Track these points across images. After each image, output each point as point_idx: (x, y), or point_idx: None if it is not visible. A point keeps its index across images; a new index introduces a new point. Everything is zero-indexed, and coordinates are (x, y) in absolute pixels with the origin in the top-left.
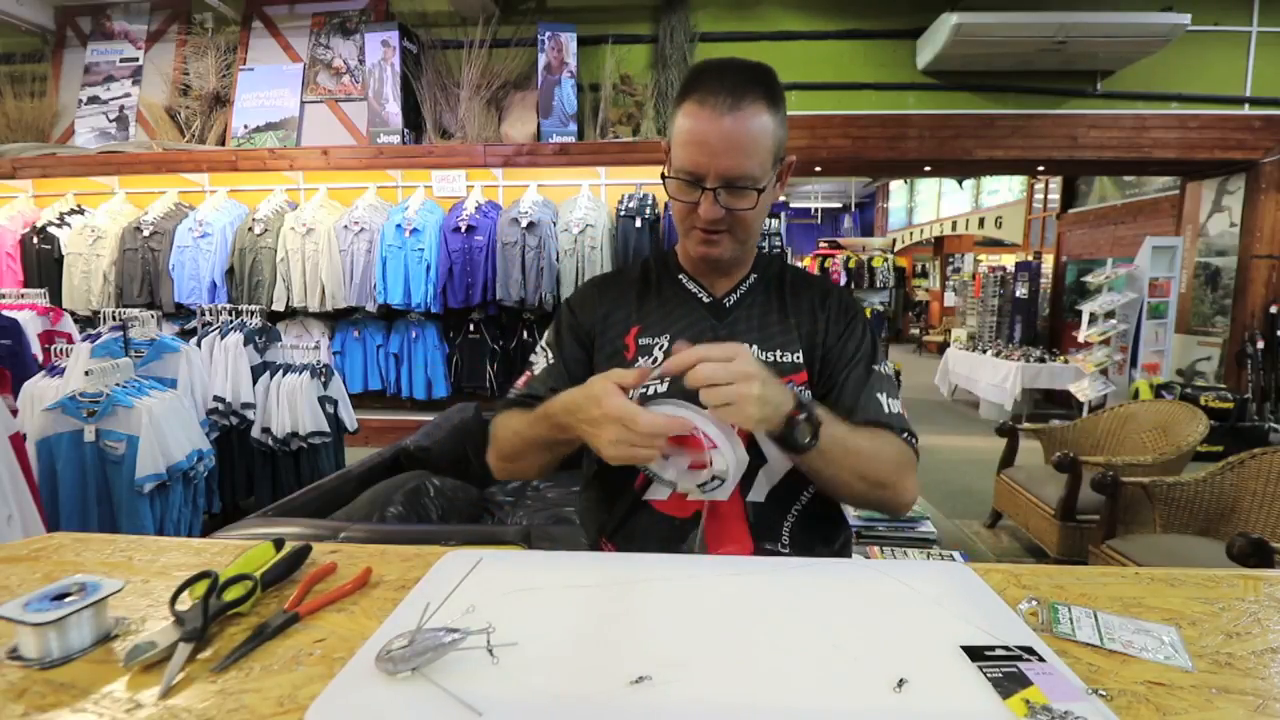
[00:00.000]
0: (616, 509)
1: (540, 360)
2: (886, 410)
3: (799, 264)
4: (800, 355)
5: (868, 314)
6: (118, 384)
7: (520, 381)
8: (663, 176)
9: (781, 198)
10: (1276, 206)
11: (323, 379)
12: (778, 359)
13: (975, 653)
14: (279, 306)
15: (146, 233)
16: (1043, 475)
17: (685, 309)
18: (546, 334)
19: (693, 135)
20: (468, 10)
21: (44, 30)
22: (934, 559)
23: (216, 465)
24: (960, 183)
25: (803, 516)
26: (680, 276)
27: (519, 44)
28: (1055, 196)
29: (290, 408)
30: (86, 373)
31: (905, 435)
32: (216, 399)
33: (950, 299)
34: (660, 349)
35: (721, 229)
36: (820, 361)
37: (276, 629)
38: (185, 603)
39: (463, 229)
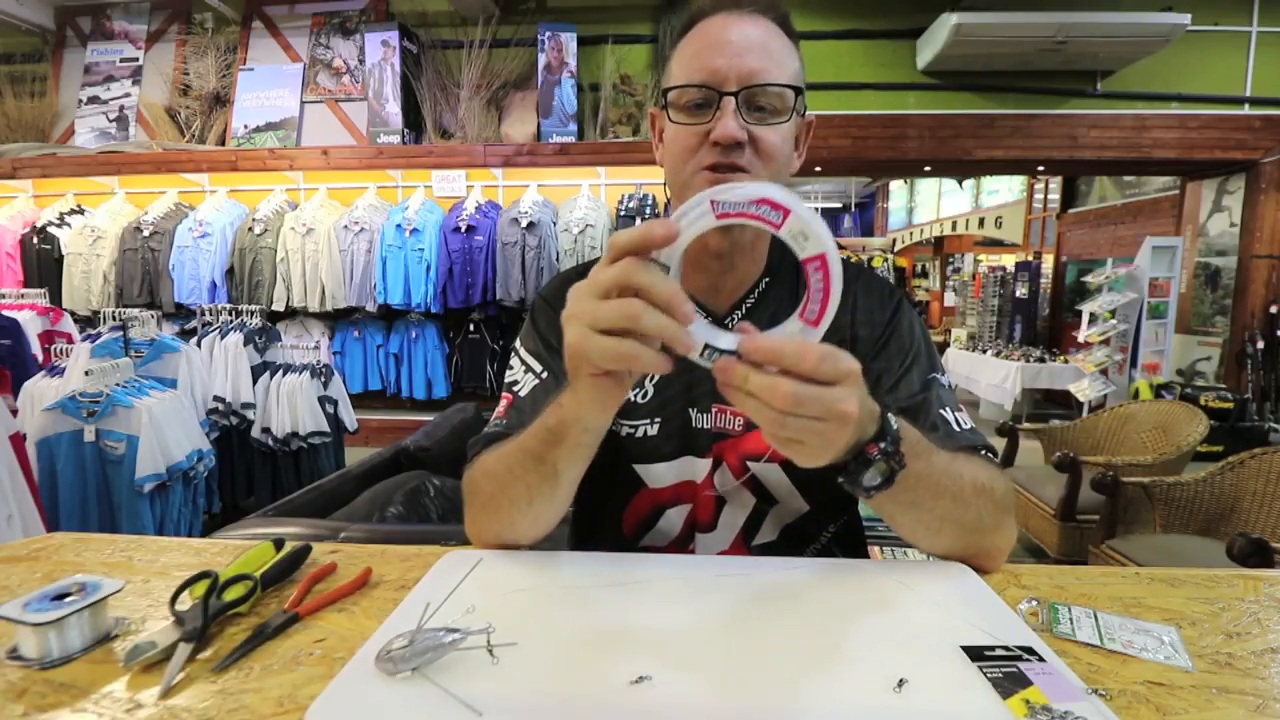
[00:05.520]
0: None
1: (525, 378)
2: (958, 427)
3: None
4: None
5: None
6: (118, 384)
7: (500, 409)
8: (663, 105)
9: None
10: (1276, 206)
11: (323, 379)
12: None
13: (975, 653)
14: (279, 306)
15: (146, 233)
16: (1043, 475)
17: None
18: (524, 341)
19: (706, 41)
20: (468, 10)
21: (44, 30)
22: (934, 559)
23: (216, 465)
24: (960, 183)
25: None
26: None
27: (519, 44)
28: (1055, 196)
29: (290, 408)
30: (86, 373)
31: (986, 454)
32: (216, 399)
33: (950, 299)
34: (652, 381)
35: (740, 164)
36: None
37: (276, 629)
38: (185, 603)
39: (463, 229)
